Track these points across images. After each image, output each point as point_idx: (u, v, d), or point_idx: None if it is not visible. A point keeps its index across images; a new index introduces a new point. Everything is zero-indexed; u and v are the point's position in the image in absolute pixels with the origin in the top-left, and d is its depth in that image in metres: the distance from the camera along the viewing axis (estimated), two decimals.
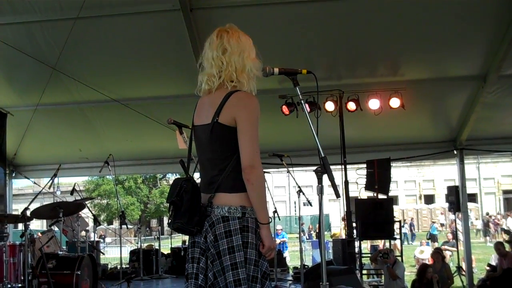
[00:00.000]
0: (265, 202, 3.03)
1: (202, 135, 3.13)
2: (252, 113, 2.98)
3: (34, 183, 11.56)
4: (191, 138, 3.29)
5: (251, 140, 2.95)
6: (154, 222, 47.65)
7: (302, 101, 3.07)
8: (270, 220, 3.00)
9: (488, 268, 11.76)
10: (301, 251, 8.38)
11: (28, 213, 6.99)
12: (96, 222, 9.20)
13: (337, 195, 2.86)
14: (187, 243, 3.35)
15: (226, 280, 2.92)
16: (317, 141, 2.88)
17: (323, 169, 2.75)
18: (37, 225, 32.26)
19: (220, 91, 3.09)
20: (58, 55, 8.18)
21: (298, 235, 10.42)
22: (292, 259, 19.44)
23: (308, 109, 9.19)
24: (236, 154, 2.99)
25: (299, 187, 7.54)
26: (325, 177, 2.89)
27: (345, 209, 9.96)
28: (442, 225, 33.23)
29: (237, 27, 3.25)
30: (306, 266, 9.59)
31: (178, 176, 17.63)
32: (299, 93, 3.03)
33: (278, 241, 16.73)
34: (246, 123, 2.96)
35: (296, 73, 3.07)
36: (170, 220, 3.10)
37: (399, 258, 10.39)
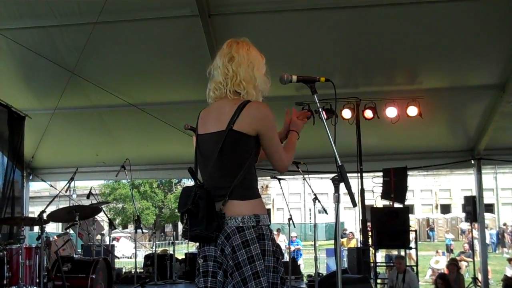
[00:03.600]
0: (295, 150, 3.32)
1: (210, 143, 3.11)
2: (273, 121, 3.09)
3: (51, 186, 11.60)
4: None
5: (279, 146, 3.16)
6: (169, 227, 47.76)
7: (320, 109, 3.06)
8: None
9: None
10: (315, 259, 8.34)
11: (44, 216, 7.02)
12: (112, 226, 9.24)
13: (354, 204, 2.83)
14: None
15: None
16: (334, 149, 2.86)
17: (340, 178, 2.74)
18: (53, 227, 32.47)
19: (228, 99, 3.11)
20: (77, 59, 8.24)
21: (312, 243, 10.37)
22: (306, 267, 19.39)
23: (325, 117, 9.16)
24: (248, 161, 3.02)
25: (314, 194, 7.52)
26: (341, 185, 2.87)
27: (361, 218, 9.90)
28: (463, 232, 32.91)
29: (250, 42, 3.26)
30: (320, 274, 9.54)
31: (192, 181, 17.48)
32: (317, 101, 3.01)
33: (292, 248, 16.66)
34: (271, 132, 3.08)
35: (314, 81, 3.06)
36: (184, 229, 3.04)
37: (415, 268, 10.32)
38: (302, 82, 3.07)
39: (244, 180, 3.00)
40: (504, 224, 33.41)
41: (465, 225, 33.68)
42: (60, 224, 29.44)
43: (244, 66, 3.11)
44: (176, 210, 42.27)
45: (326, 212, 7.69)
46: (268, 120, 3.05)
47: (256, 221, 2.96)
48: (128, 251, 29.75)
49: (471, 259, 18.41)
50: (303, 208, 44.49)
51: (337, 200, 2.72)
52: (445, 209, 43.99)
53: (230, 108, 3.04)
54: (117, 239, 30.20)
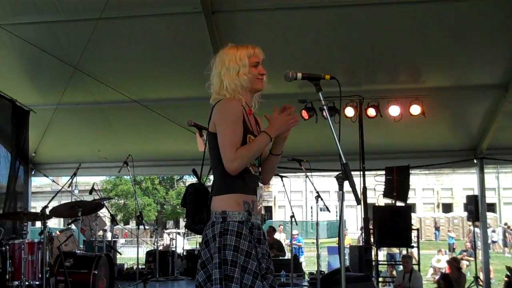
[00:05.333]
0: (258, 142, 3.12)
1: None
2: (223, 114, 3.13)
3: (53, 181, 11.61)
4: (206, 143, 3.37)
5: (224, 139, 3.08)
6: (170, 223, 47.80)
7: (325, 107, 3.05)
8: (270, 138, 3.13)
9: (506, 278, 11.58)
10: (318, 257, 8.34)
11: (47, 211, 7.03)
12: (114, 222, 9.25)
13: (358, 202, 2.84)
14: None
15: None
16: (339, 147, 2.86)
17: (344, 176, 2.73)
18: (54, 223, 32.53)
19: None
20: (80, 55, 8.25)
21: (313, 240, 10.37)
22: (307, 265, 19.40)
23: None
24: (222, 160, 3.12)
25: (317, 192, 7.51)
26: (345, 183, 2.88)
27: (363, 216, 9.89)
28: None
29: (233, 45, 3.30)
30: (322, 272, 9.54)
31: (194, 178, 17.56)
32: (322, 99, 3.01)
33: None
34: (220, 126, 3.11)
35: (319, 78, 3.06)
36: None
37: (416, 267, 10.31)
38: (307, 80, 3.07)
39: (220, 176, 3.14)
40: (505, 224, 33.38)
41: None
42: (61, 219, 29.52)
43: (218, 69, 3.24)
44: (178, 207, 42.39)
45: (328, 210, 7.70)
46: (219, 114, 3.14)
47: (222, 217, 3.08)
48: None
49: (472, 258, 18.42)
50: (304, 206, 44.50)
51: (341, 198, 2.72)
52: (447, 208, 43.96)
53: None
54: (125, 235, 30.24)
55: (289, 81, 3.07)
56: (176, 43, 8.50)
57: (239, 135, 3.08)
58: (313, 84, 3.03)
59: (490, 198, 31.94)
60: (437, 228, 37.87)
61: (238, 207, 3.10)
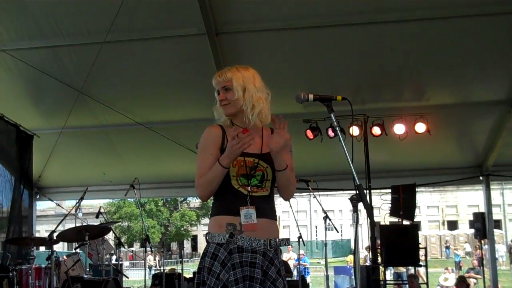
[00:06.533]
0: (214, 170, 3.09)
1: None
2: (202, 142, 3.23)
3: (58, 205, 11.59)
4: None
5: (198, 169, 3.17)
6: (174, 245, 47.64)
7: (337, 128, 3.05)
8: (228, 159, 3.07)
9: None
10: (327, 278, 8.29)
11: (54, 236, 7.00)
12: (120, 245, 9.20)
13: (373, 224, 2.82)
14: None
15: None
16: (352, 168, 2.84)
17: (358, 197, 2.71)
18: (58, 246, 32.41)
19: None
20: (85, 79, 8.27)
21: (319, 260, 10.31)
22: (313, 285, 19.26)
23: (332, 134, 9.12)
24: None
25: (325, 212, 7.48)
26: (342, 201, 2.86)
27: (370, 235, 9.82)
28: (467, 253, 32.75)
29: (238, 67, 3.32)
30: None
31: (198, 199, 17.53)
32: (334, 120, 3.00)
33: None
34: (199, 152, 3.23)
35: (331, 99, 3.06)
36: None
37: (424, 286, 10.22)
38: (318, 101, 3.06)
39: (213, 199, 3.22)
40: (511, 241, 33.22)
41: (468, 246, 33.60)
42: (65, 243, 29.41)
43: None
44: (181, 229, 42.31)
45: (337, 230, 7.66)
46: (200, 141, 3.24)
47: (206, 239, 3.17)
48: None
49: (480, 276, 18.29)
50: (309, 225, 44.35)
51: (356, 220, 2.70)
52: (452, 225, 43.79)
53: None
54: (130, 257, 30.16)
55: (301, 103, 3.06)
56: (180, 65, 8.52)
57: (208, 163, 3.11)
58: (324, 105, 3.02)
59: (495, 214, 31.80)
60: (447, 247, 37.72)
61: (219, 229, 3.10)
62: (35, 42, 8.02)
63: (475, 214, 11.61)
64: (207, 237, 3.15)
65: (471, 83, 8.80)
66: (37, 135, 10.06)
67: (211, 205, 3.32)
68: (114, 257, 11.37)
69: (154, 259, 26.02)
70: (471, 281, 16.36)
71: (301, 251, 19.92)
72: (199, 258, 3.38)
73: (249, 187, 3.15)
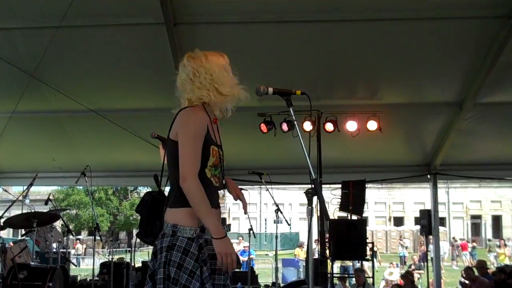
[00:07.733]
0: (208, 214, 2.96)
1: None
2: (188, 127, 3.05)
3: (5, 190, 11.34)
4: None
5: (184, 153, 2.99)
6: (123, 234, 47.15)
7: (296, 122, 3.10)
8: (223, 234, 2.93)
9: None
10: (276, 269, 8.38)
11: (1, 222, 6.86)
12: (69, 232, 9.07)
13: (327, 217, 2.89)
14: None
15: None
16: (309, 162, 2.90)
17: (313, 191, 2.77)
18: (4, 233, 31.63)
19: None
20: (38, 63, 8.09)
21: (266, 252, 10.41)
22: (261, 276, 19.36)
23: (286, 128, 9.18)
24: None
25: (277, 205, 7.56)
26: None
27: (319, 229, 9.98)
28: (406, 247, 33.42)
29: (203, 52, 3.45)
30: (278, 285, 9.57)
31: (149, 189, 17.51)
32: (293, 114, 3.05)
33: (245, 259, 16.61)
34: (182, 137, 3.03)
35: (290, 94, 3.10)
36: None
37: (370, 280, 10.45)
38: (278, 95, 3.10)
39: (177, 187, 3.03)
40: (453, 238, 34.12)
41: (408, 242, 34.30)
42: (11, 229, 28.75)
43: (199, 78, 3.26)
44: (131, 218, 41.90)
45: (288, 224, 7.75)
46: (183, 125, 3.08)
47: (172, 231, 3.01)
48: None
49: (422, 271, 18.80)
50: (258, 218, 44.58)
51: (310, 213, 2.75)
52: (398, 221, 44.69)
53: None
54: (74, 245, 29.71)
55: (260, 96, 3.10)
56: (137, 54, 8.42)
57: (200, 152, 3.04)
58: (284, 99, 3.06)
59: (440, 212, 32.57)
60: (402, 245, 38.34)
61: (191, 222, 3.00)
62: None
63: (421, 211, 11.91)
64: (173, 229, 3.01)
65: (423, 84, 9.01)
66: None
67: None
68: (72, 248, 11.17)
69: (103, 248, 25.73)
70: (415, 276, 16.73)
71: (246, 243, 20.06)
72: (148, 248, 3.35)
73: (223, 179, 3.22)
